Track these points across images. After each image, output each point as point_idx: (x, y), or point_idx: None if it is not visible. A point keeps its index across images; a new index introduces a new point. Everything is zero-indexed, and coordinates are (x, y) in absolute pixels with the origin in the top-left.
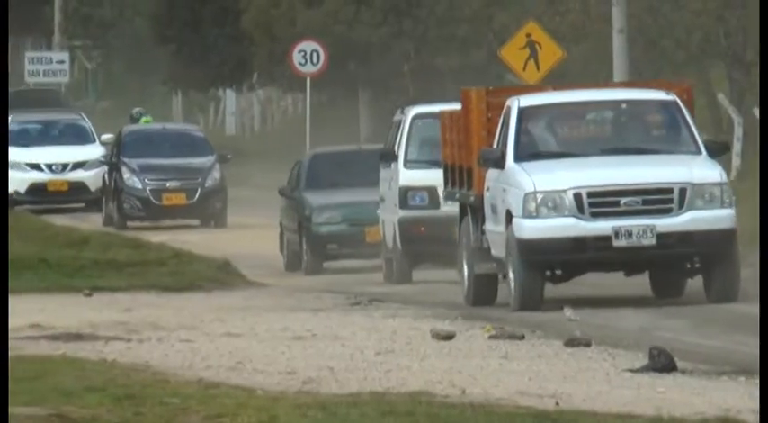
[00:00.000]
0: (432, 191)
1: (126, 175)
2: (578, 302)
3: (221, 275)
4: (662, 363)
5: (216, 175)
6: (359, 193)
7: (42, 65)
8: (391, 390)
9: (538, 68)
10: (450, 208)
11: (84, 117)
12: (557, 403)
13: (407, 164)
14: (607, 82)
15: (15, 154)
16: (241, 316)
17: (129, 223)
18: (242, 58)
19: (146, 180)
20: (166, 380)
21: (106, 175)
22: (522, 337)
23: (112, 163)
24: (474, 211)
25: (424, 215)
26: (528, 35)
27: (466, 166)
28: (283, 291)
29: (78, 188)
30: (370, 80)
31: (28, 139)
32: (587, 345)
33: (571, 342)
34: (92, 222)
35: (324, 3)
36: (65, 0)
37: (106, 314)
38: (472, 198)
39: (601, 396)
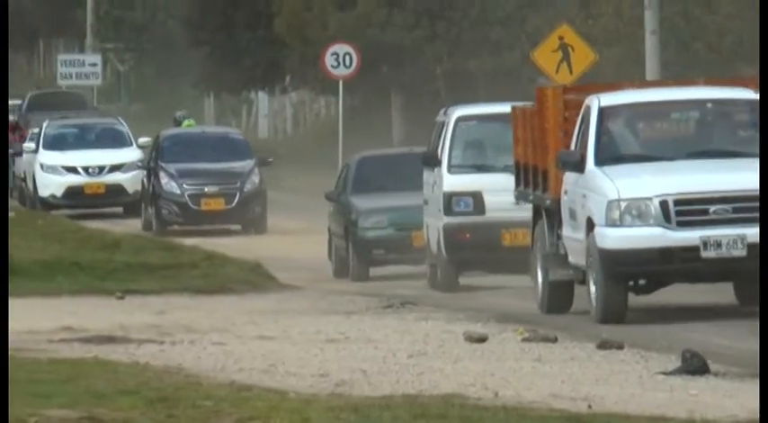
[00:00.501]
0: (477, 196)
1: (164, 179)
2: None
3: (253, 278)
4: (695, 365)
5: (255, 179)
6: (407, 197)
7: (75, 67)
8: (424, 392)
9: (570, 71)
10: (495, 214)
11: (121, 121)
12: (589, 406)
13: (451, 168)
14: (690, 79)
15: (51, 157)
16: (274, 319)
17: (168, 228)
18: (274, 61)
19: (184, 185)
20: (199, 382)
21: (145, 180)
22: (555, 340)
23: (150, 168)
24: (550, 214)
25: (469, 221)
26: (561, 38)
27: (541, 166)
28: (316, 294)
29: (115, 191)
30: (403, 83)
31: (64, 143)
32: (620, 347)
33: (604, 345)
34: (128, 227)
35: (356, 5)
36: (97, 3)
37: (138, 317)
38: (548, 201)
39: (633, 399)
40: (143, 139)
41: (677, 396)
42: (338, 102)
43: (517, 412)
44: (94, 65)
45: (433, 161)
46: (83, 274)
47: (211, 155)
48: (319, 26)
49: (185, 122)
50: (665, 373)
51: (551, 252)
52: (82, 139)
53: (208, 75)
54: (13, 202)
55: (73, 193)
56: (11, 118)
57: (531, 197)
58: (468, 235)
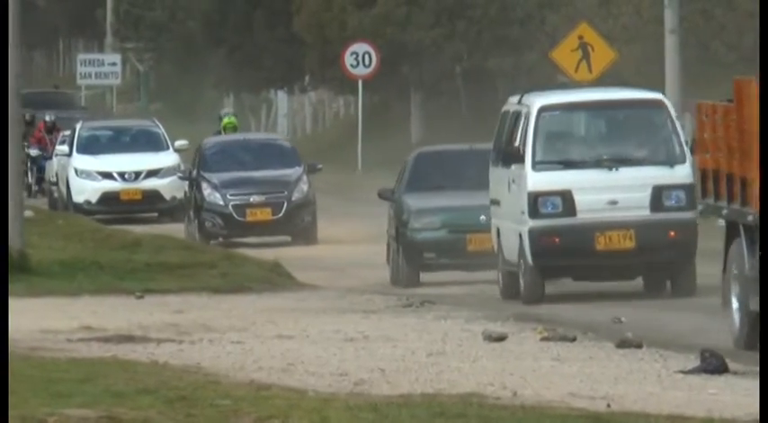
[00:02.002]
0: (566, 196)
1: (206, 190)
2: (629, 305)
3: (272, 277)
4: (713, 364)
5: (304, 187)
6: (464, 197)
7: (94, 67)
8: (442, 391)
9: (590, 70)
10: (587, 215)
11: (157, 123)
12: (608, 405)
13: (536, 165)
14: None
15: (85, 162)
16: (293, 318)
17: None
18: (294, 61)
19: (228, 195)
20: (218, 382)
21: (187, 190)
22: (574, 339)
23: (192, 178)
24: (750, 232)
25: (558, 224)
26: (580, 37)
27: (739, 175)
28: (335, 293)
29: (152, 197)
30: (422, 82)
31: (99, 147)
32: (639, 346)
33: (623, 344)
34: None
35: (376, 5)
36: (117, 2)
37: (157, 316)
38: (750, 217)
39: (652, 398)
40: (180, 143)
41: (696, 395)
42: (357, 101)
43: (536, 411)
44: (114, 64)
45: (511, 157)
46: (102, 274)
47: (256, 163)
48: (338, 25)
49: (225, 119)
50: (684, 372)
51: (752, 276)
52: (117, 143)
53: (227, 74)
54: (39, 206)
55: (108, 200)
56: (47, 118)
57: (724, 212)
58: (556, 239)
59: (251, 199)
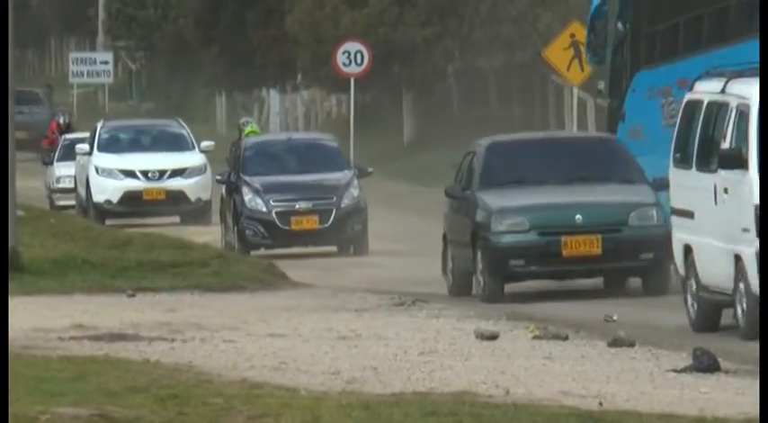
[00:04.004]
0: None
1: (247, 196)
2: (621, 304)
3: (264, 276)
4: (705, 363)
5: (354, 192)
6: (554, 193)
7: (86, 65)
8: (435, 390)
9: (582, 69)
10: None
11: (182, 123)
12: (600, 404)
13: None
14: None
15: (107, 160)
16: (285, 316)
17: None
18: (286, 59)
19: (271, 202)
20: (210, 380)
21: (224, 196)
22: (566, 338)
23: (231, 182)
24: None
25: None
26: (572, 35)
27: None
28: (327, 291)
29: (177, 197)
30: (414, 81)
31: (121, 146)
32: (631, 345)
33: (615, 342)
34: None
35: (368, 4)
36: (109, 0)
37: (149, 315)
38: None
39: (644, 396)
40: (206, 143)
41: (688, 394)
42: (350, 100)
43: (528, 410)
44: (106, 63)
45: (725, 160)
46: (94, 272)
47: (302, 166)
48: (331, 24)
49: (248, 128)
50: (675, 371)
51: None
52: (139, 142)
53: (219, 73)
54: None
55: (130, 199)
56: (60, 120)
57: None
58: None
59: (296, 205)
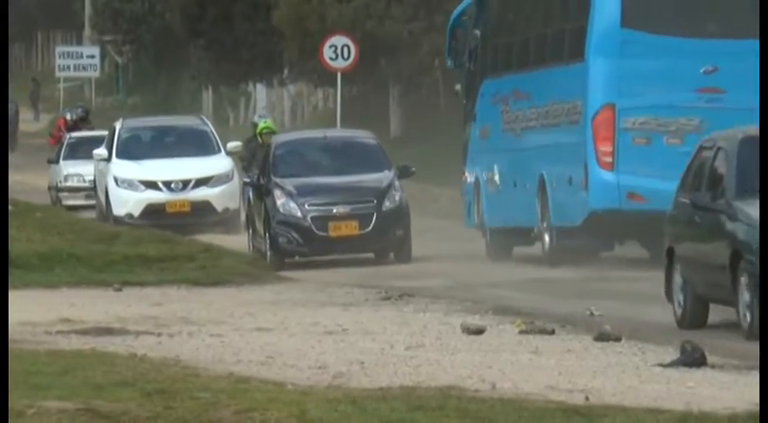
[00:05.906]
0: None
1: (280, 199)
2: (607, 298)
3: (251, 270)
4: (692, 357)
5: (396, 194)
6: None
7: (73, 59)
8: (421, 384)
9: None
10: None
11: (206, 121)
12: (586, 398)
13: None
14: None
15: (127, 170)
16: (272, 310)
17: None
18: (273, 53)
19: (306, 205)
20: (197, 374)
21: (251, 198)
22: (553, 332)
23: (260, 185)
24: None
25: None
26: None
27: None
28: (314, 286)
29: (203, 208)
30: (401, 75)
31: (141, 150)
32: (617, 340)
33: (601, 337)
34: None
35: None
36: None
37: (136, 309)
38: None
39: (631, 391)
40: (232, 144)
41: (674, 388)
42: (336, 94)
43: (514, 404)
44: (92, 57)
45: None
46: (81, 266)
47: (338, 166)
48: (317, 18)
49: (262, 123)
50: (662, 365)
51: None
52: (161, 145)
53: (206, 67)
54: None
55: (153, 212)
56: (67, 116)
57: None
58: None
59: (334, 210)
